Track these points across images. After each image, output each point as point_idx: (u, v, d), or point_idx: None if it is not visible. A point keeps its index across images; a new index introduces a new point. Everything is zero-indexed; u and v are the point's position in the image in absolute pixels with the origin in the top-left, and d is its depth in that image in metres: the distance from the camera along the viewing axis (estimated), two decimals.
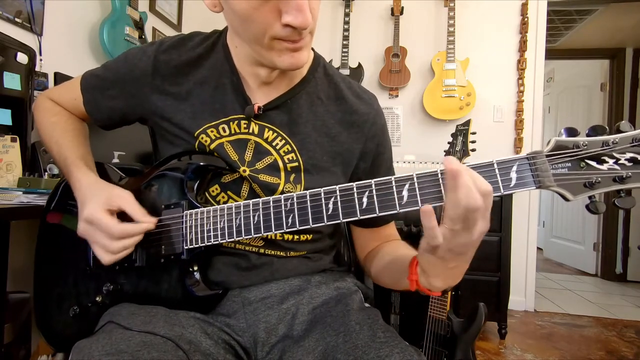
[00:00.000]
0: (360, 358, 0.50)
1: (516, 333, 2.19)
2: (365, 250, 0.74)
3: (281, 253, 0.65)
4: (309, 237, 0.67)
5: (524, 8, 2.52)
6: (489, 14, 2.57)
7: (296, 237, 0.65)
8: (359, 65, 2.63)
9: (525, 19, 2.51)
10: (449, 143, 1.47)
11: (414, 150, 2.58)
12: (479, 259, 2.26)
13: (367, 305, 0.65)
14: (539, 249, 3.68)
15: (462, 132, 1.42)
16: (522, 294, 2.57)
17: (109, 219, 0.56)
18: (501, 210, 2.04)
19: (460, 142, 1.41)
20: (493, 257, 2.04)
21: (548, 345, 2.04)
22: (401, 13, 2.59)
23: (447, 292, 0.52)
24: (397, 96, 2.65)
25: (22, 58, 1.20)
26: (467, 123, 1.43)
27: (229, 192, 0.64)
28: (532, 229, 2.54)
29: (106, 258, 0.56)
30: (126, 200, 0.58)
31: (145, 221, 0.57)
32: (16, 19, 1.34)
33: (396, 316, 1.68)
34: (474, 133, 1.42)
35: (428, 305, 1.44)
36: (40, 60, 1.41)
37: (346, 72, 2.57)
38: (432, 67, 2.53)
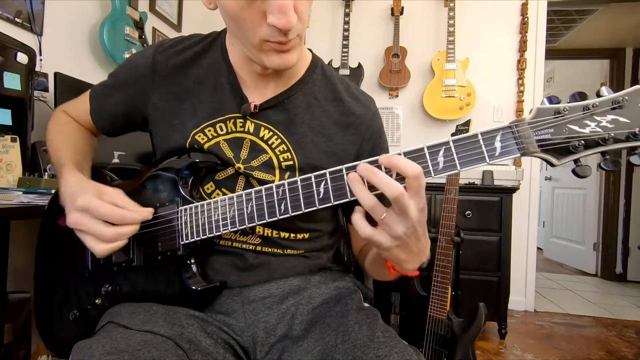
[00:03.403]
0: (359, 358, 0.50)
1: (516, 333, 2.19)
2: (359, 245, 0.76)
3: (278, 251, 0.65)
4: (306, 235, 0.67)
5: (524, 8, 2.52)
6: (489, 13, 2.57)
7: (292, 235, 0.65)
8: (359, 65, 2.63)
9: (525, 19, 2.51)
10: None
11: None
12: (479, 259, 2.26)
13: (366, 305, 0.65)
14: (539, 249, 3.69)
15: (462, 132, 1.42)
16: (522, 294, 2.57)
17: (107, 204, 0.54)
18: (501, 210, 2.04)
19: None
20: (493, 257, 2.04)
21: (548, 345, 2.04)
22: (401, 13, 2.59)
23: (422, 267, 0.54)
24: (397, 96, 2.65)
25: (22, 58, 1.20)
26: (467, 123, 1.44)
27: (223, 189, 0.64)
28: (532, 229, 2.54)
29: (100, 247, 0.53)
30: (117, 194, 0.57)
31: (142, 211, 0.57)
32: (16, 19, 1.34)
33: (396, 316, 1.68)
34: None
35: (428, 305, 1.45)
36: (40, 60, 1.41)
37: (346, 72, 2.57)
38: (432, 67, 2.53)
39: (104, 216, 0.53)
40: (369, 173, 0.46)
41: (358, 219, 0.48)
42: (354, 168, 0.49)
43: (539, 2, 2.53)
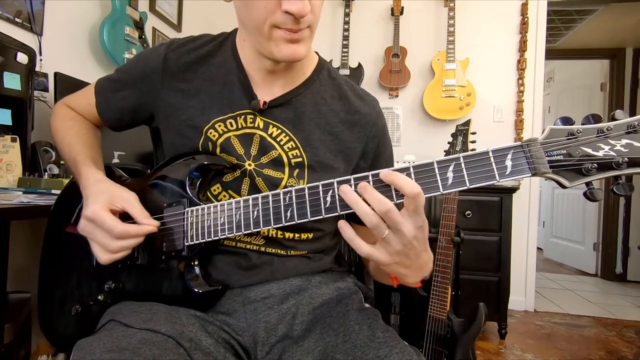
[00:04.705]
0: (360, 358, 0.50)
1: (516, 333, 2.19)
2: None
3: (281, 251, 0.65)
4: (310, 235, 0.67)
5: (524, 8, 2.52)
6: (489, 14, 2.57)
7: (297, 235, 0.66)
8: (359, 65, 2.63)
9: (525, 19, 2.51)
10: (449, 143, 1.47)
11: (414, 150, 2.58)
12: (479, 259, 2.26)
13: (367, 305, 0.66)
14: (539, 249, 3.69)
15: (462, 132, 1.42)
16: (522, 294, 2.57)
17: (112, 218, 0.56)
18: (501, 211, 2.05)
19: (460, 142, 1.41)
20: (493, 257, 2.04)
21: (548, 345, 2.05)
22: (401, 13, 2.59)
23: (424, 280, 0.56)
24: (397, 96, 2.65)
25: (22, 58, 1.20)
26: (467, 123, 1.44)
27: (229, 191, 0.65)
28: (532, 229, 2.54)
29: (103, 257, 0.57)
30: (130, 202, 0.59)
31: (148, 224, 0.57)
32: (16, 19, 1.34)
33: (396, 316, 1.68)
34: (474, 133, 1.42)
35: (428, 305, 1.45)
36: (40, 60, 1.41)
37: (346, 72, 2.58)
38: (432, 67, 2.54)
39: (107, 230, 0.55)
40: (362, 190, 0.47)
41: (355, 239, 0.49)
42: (362, 179, 0.49)
43: (539, 2, 2.53)
